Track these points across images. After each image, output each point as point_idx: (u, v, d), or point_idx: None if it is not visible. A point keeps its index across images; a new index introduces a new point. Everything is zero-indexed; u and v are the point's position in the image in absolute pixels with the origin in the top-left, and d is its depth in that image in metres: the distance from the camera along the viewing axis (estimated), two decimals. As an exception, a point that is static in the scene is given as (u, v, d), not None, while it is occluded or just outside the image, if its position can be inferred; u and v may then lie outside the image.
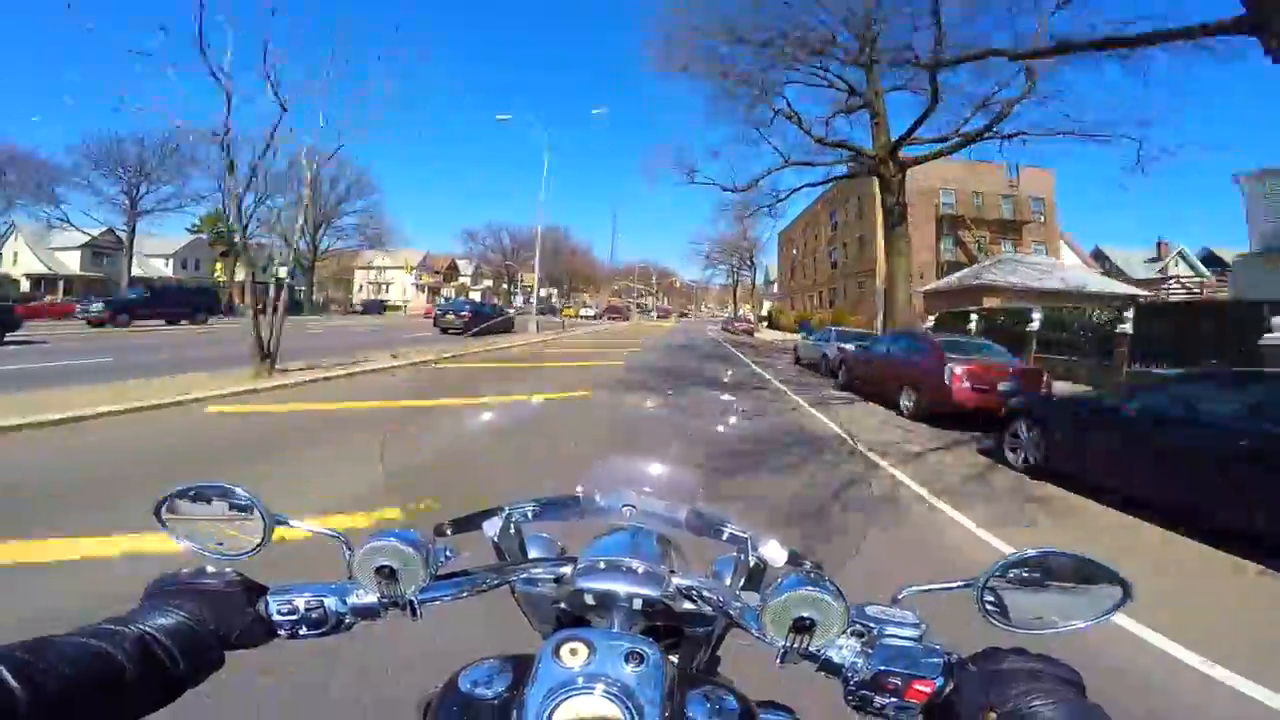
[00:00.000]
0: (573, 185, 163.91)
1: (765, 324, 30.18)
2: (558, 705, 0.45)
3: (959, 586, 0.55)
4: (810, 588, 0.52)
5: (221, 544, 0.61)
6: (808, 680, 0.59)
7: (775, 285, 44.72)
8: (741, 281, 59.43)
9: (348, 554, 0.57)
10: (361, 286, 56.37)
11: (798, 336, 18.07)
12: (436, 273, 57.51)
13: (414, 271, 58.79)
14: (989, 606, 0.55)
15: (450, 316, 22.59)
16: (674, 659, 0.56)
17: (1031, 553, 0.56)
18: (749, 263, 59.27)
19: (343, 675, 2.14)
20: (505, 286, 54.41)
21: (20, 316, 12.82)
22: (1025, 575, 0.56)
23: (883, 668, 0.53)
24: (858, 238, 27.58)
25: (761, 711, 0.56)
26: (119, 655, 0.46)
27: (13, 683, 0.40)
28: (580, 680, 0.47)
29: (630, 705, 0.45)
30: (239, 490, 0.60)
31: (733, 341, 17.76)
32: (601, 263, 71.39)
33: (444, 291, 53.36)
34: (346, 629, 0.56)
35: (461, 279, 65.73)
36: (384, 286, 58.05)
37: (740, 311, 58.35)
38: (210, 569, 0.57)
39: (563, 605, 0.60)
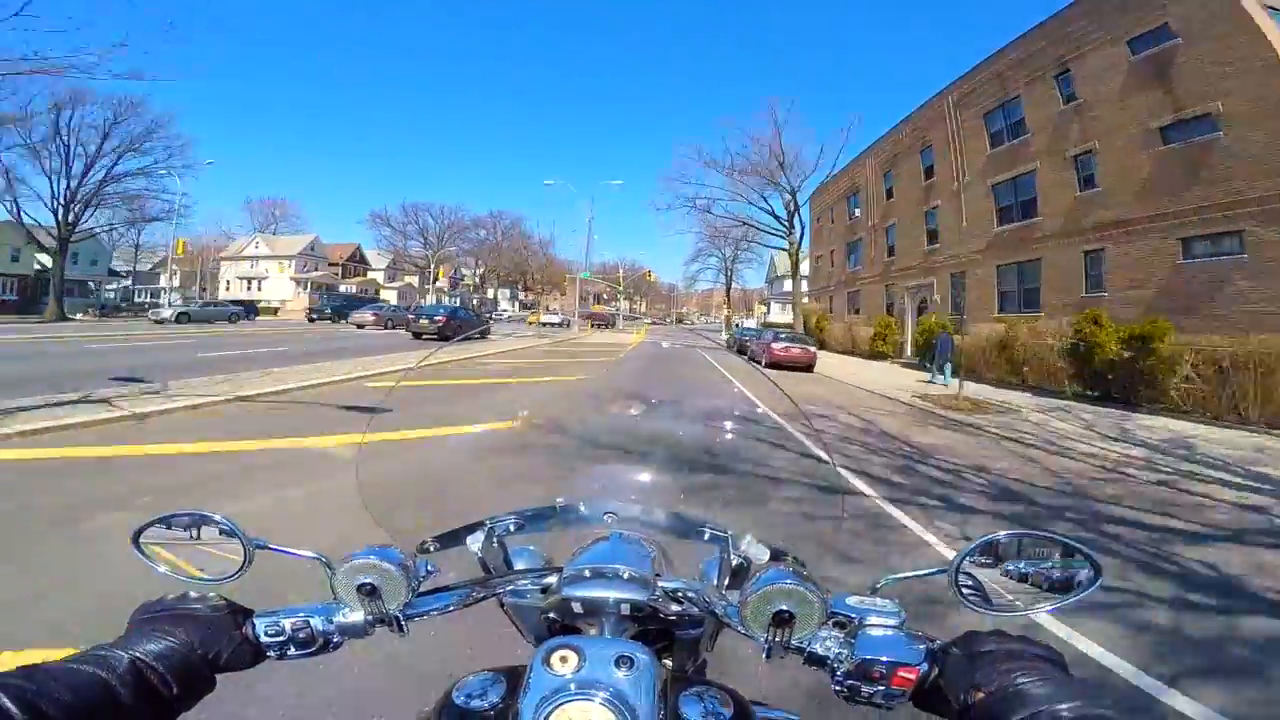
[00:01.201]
0: (532, 166, 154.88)
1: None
2: (551, 712, 0.47)
3: (934, 572, 0.57)
4: (787, 581, 0.54)
5: (202, 570, 0.65)
6: (812, 678, 0.59)
7: (804, 278, 42.91)
8: (738, 277, 61.05)
9: (329, 574, 0.60)
10: (229, 283, 51.06)
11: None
12: (333, 264, 54.28)
13: (292, 263, 53.16)
14: (964, 590, 0.58)
15: (424, 322, 22.88)
16: (668, 662, 0.64)
17: (1002, 536, 0.57)
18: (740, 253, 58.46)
19: (339, 696, 2.03)
20: (429, 285, 53.82)
21: None
22: (998, 558, 0.58)
23: (867, 656, 0.54)
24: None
25: (759, 711, 0.58)
26: (113, 681, 0.48)
27: (14, 710, 0.42)
28: (572, 686, 0.48)
29: (623, 708, 0.47)
30: (217, 516, 0.65)
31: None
32: (567, 262, 66.36)
33: (342, 289, 51.87)
34: (335, 648, 0.62)
35: (372, 273, 61.30)
36: (256, 283, 53.51)
37: (757, 319, 56.93)
38: (193, 594, 0.60)
39: (552, 615, 0.66)
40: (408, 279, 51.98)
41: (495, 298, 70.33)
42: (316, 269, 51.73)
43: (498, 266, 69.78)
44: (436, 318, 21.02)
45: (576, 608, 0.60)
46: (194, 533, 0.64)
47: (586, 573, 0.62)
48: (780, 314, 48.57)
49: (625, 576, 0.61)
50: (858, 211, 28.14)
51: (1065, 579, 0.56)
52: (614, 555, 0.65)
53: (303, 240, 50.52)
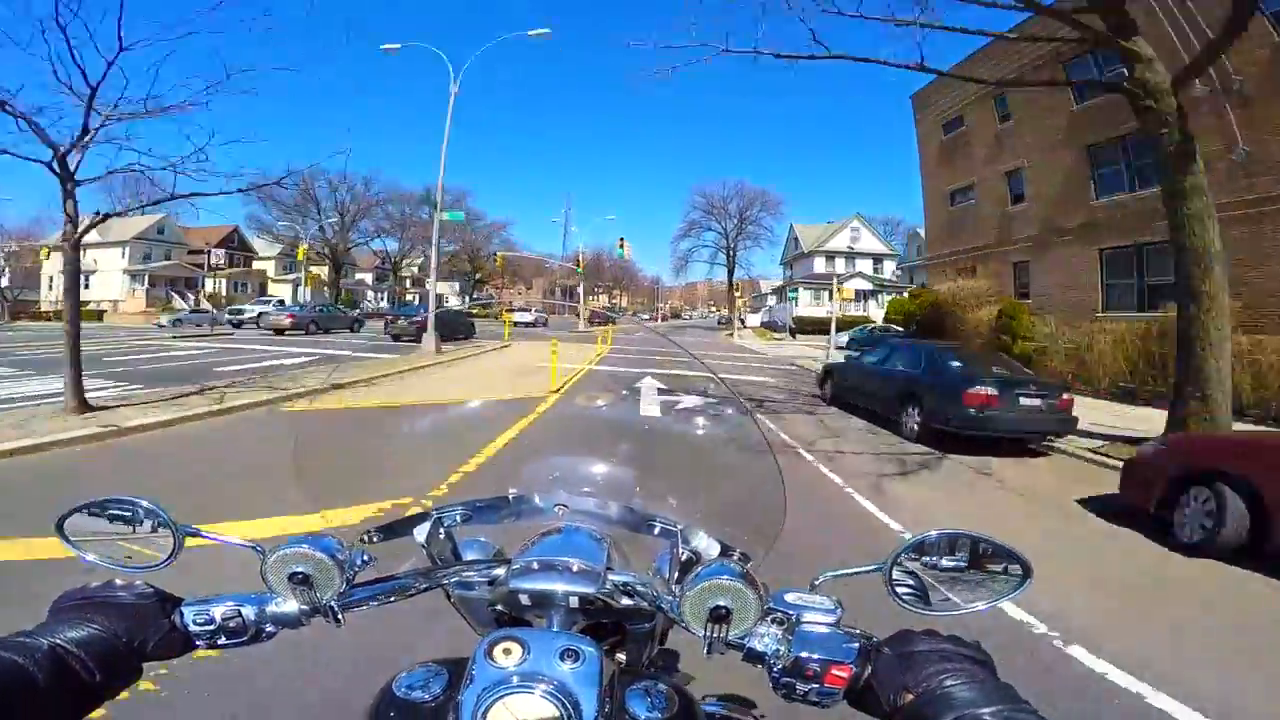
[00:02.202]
0: (488, 135, 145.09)
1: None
2: (492, 704, 0.50)
3: (871, 569, 0.63)
4: (725, 576, 0.58)
5: (129, 557, 0.68)
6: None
7: (921, 243, 35.52)
8: (742, 262, 56.04)
9: (261, 561, 0.64)
10: (51, 280, 39.75)
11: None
12: (196, 252, 44.85)
13: (126, 250, 43.14)
14: (898, 589, 0.63)
15: (402, 323, 23.56)
16: (621, 656, 0.69)
17: (933, 535, 0.62)
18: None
19: (277, 686, 2.11)
20: (337, 274, 47.12)
21: None
22: (930, 556, 0.63)
23: (802, 654, 0.58)
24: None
25: (706, 706, 0.62)
26: (30, 666, 0.50)
27: None
28: (515, 679, 0.51)
29: (566, 702, 0.50)
30: (143, 502, 0.67)
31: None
32: (529, 250, 61.32)
33: (209, 286, 43.85)
34: (268, 638, 0.66)
35: (258, 264, 51.87)
36: (84, 277, 39.52)
37: (772, 311, 51.10)
38: (120, 581, 0.63)
39: (499, 607, 0.70)
40: (316, 270, 46.47)
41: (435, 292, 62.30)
42: (168, 258, 45.12)
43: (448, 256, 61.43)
44: (415, 318, 22.38)
45: (524, 599, 0.66)
46: (122, 520, 0.68)
47: (535, 565, 0.67)
48: (812, 305, 43.75)
49: (575, 569, 0.66)
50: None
51: (997, 577, 0.63)
52: (564, 548, 0.71)
53: (145, 222, 41.82)
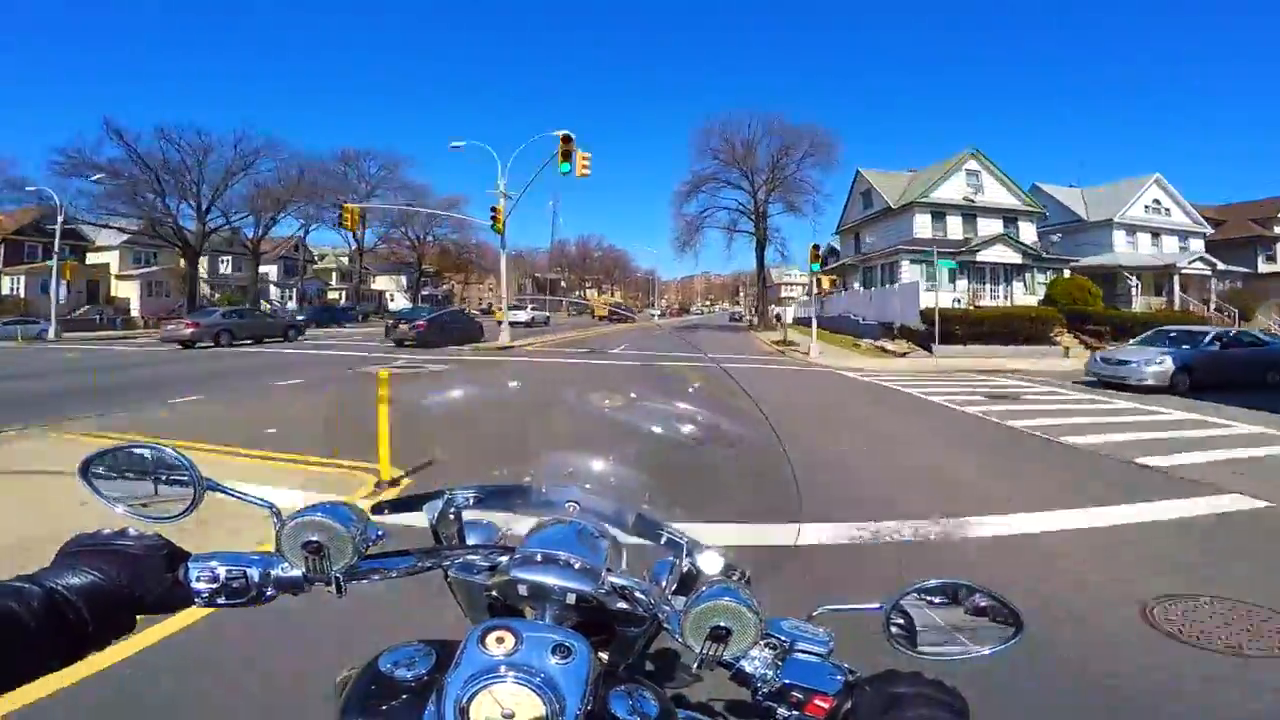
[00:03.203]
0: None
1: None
2: (478, 691, 0.54)
3: (870, 609, 0.71)
4: (729, 598, 0.64)
5: (146, 506, 0.73)
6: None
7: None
8: (774, 239, 45.34)
9: (277, 525, 0.68)
10: None
11: None
12: None
13: None
14: (894, 629, 0.70)
15: (403, 327, 22.07)
16: (603, 655, 0.76)
17: (934, 582, 0.69)
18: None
19: (267, 645, 2.28)
20: (193, 267, 40.80)
21: None
22: (929, 602, 0.70)
23: (788, 681, 0.65)
24: None
25: (683, 713, 0.67)
26: (22, 611, 0.53)
27: None
28: (503, 669, 0.55)
29: (552, 696, 0.54)
30: (169, 451, 0.72)
31: None
32: (484, 237, 54.77)
33: (5, 282, 37.27)
34: (268, 600, 0.71)
35: (97, 255, 41.94)
36: None
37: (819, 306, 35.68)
38: (133, 531, 0.67)
39: (495, 594, 0.75)
40: (181, 261, 40.92)
41: (361, 288, 55.77)
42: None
43: (395, 244, 56.17)
44: (416, 322, 22.90)
45: (522, 590, 0.71)
46: (145, 466, 0.72)
47: (538, 556, 0.72)
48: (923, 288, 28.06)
49: (576, 566, 0.71)
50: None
51: (990, 628, 0.69)
52: (569, 543, 0.76)
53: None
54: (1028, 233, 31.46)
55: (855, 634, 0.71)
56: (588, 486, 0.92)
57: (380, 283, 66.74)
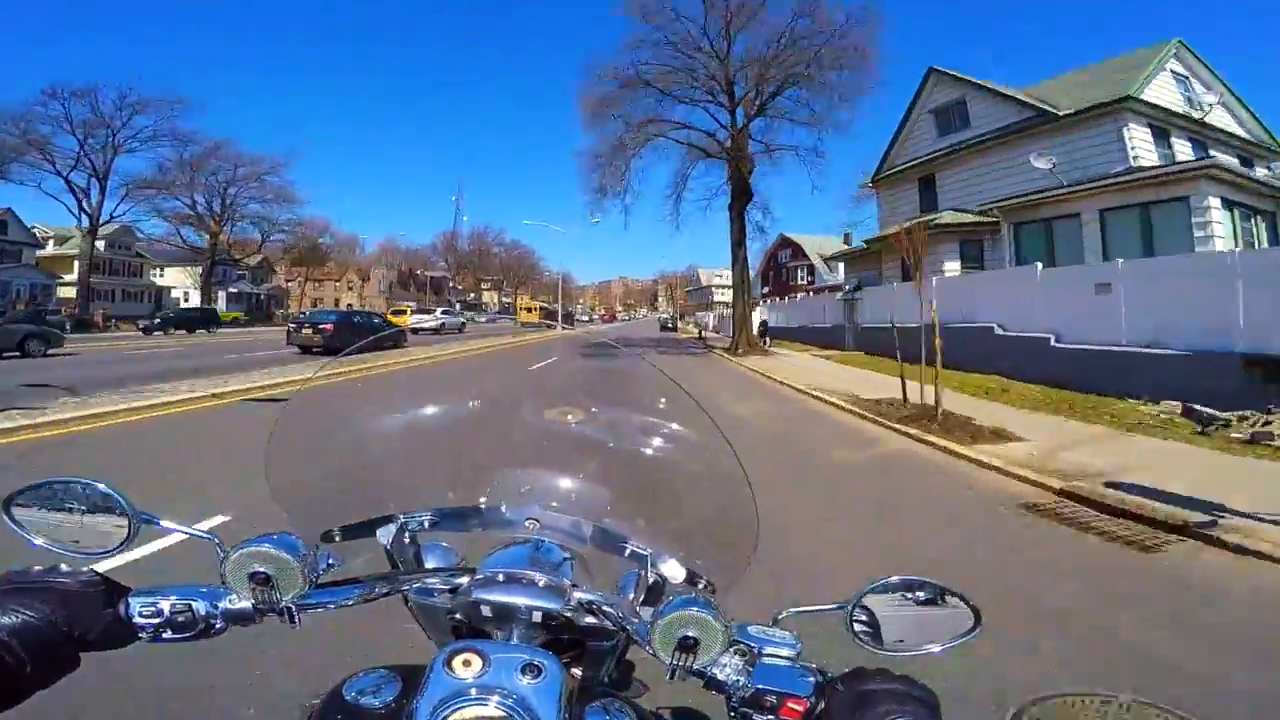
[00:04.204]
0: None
1: None
2: (448, 716, 0.52)
3: (832, 609, 0.71)
4: (695, 608, 0.65)
5: (77, 541, 0.69)
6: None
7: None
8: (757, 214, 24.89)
9: (221, 557, 0.67)
10: None
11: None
12: None
13: None
14: (857, 627, 0.70)
15: (308, 331, 19.71)
16: (576, 672, 0.76)
17: (895, 579, 0.69)
18: None
19: (222, 680, 2.15)
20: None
21: None
22: (891, 598, 0.70)
23: (760, 686, 0.64)
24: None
25: None
26: None
27: None
28: (473, 692, 0.54)
29: (525, 717, 0.53)
30: (100, 486, 0.68)
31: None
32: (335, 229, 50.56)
33: None
34: (217, 633, 0.69)
35: None
36: None
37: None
38: (64, 567, 0.65)
39: (459, 617, 0.75)
40: None
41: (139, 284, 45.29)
42: None
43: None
44: (323, 325, 20.46)
45: (486, 611, 0.71)
46: (75, 502, 0.70)
47: (500, 576, 0.71)
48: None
49: (540, 584, 0.71)
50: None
51: (950, 622, 0.71)
52: (531, 561, 0.76)
53: None
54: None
55: (816, 633, 0.70)
56: (552, 504, 0.90)
57: (171, 276, 51.32)
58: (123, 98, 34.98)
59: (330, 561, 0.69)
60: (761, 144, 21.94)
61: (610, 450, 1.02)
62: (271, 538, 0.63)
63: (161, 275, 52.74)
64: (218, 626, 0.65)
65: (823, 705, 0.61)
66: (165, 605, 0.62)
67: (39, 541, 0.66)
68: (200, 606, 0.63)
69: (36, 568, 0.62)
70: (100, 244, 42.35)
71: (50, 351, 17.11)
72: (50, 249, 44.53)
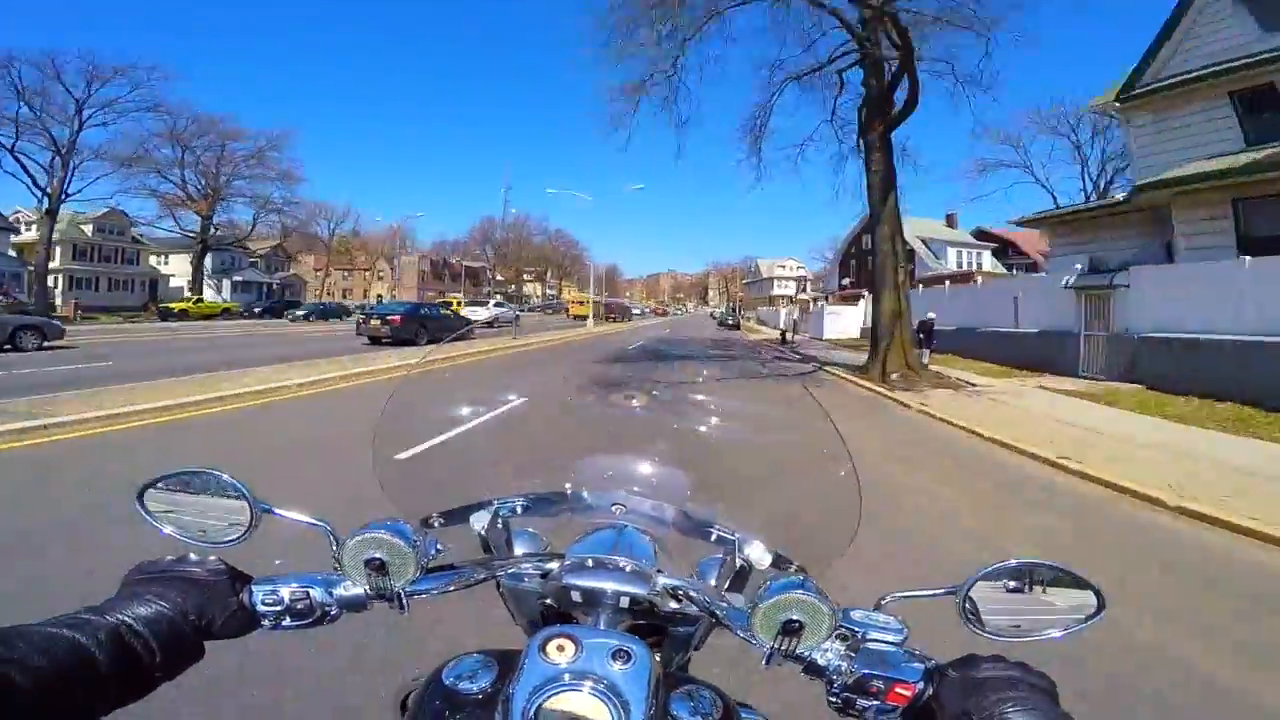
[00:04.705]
0: None
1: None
2: (544, 701, 0.54)
3: (941, 594, 0.70)
4: (800, 591, 0.65)
5: (204, 531, 0.73)
6: (783, 679, 0.68)
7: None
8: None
9: (335, 545, 0.70)
10: None
11: None
12: None
13: None
14: (969, 614, 0.70)
15: (376, 323, 19.80)
16: (656, 657, 0.74)
17: (1011, 563, 0.69)
18: None
19: (319, 665, 2.31)
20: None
21: None
22: (1004, 584, 0.69)
23: (866, 671, 0.65)
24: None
25: (743, 712, 0.66)
26: (91, 646, 0.53)
27: None
28: (567, 677, 0.56)
29: (617, 703, 0.55)
30: (225, 476, 0.72)
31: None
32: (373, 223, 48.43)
33: None
34: (332, 620, 0.72)
35: None
36: None
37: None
38: (193, 556, 0.68)
39: (548, 601, 0.78)
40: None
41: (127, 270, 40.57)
42: None
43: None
44: (391, 317, 20.35)
45: (575, 596, 0.73)
46: (200, 492, 0.74)
47: (589, 562, 0.74)
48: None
49: (627, 569, 0.73)
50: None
51: (1070, 607, 0.70)
52: (617, 546, 0.78)
53: None
54: None
55: (920, 620, 0.69)
56: (635, 489, 0.92)
57: (175, 264, 47.37)
58: (89, 66, 29.86)
59: (439, 547, 0.71)
60: (911, 14, 12.25)
61: (694, 434, 1.02)
62: (385, 524, 0.65)
63: (166, 263, 48.61)
64: (333, 613, 0.67)
65: (930, 691, 0.60)
66: (286, 593, 0.65)
67: (167, 530, 0.69)
68: (317, 593, 0.65)
69: (168, 558, 0.64)
70: (88, 228, 38.86)
71: (48, 344, 15.19)
72: (30, 234, 38.32)
